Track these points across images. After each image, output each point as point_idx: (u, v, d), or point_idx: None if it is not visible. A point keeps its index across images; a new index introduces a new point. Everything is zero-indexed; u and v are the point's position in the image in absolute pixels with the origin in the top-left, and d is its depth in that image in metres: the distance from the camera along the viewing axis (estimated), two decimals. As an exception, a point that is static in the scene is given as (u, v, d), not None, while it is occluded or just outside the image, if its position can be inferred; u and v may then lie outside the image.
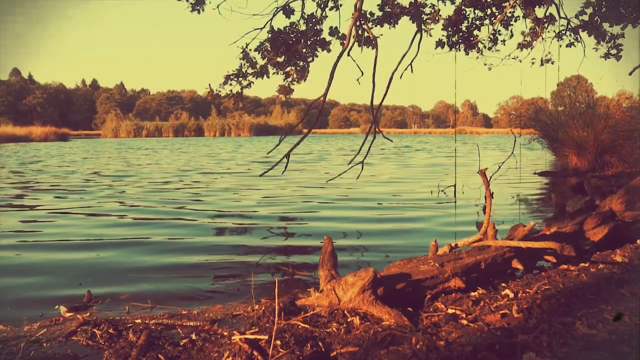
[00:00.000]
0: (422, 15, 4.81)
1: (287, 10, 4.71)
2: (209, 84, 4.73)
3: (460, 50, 5.49)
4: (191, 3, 4.77)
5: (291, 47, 4.70)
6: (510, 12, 5.28)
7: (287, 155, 4.21)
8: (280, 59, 4.77)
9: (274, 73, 4.87)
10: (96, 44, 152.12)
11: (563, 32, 5.52)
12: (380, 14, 4.87)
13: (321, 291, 2.46)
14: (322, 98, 4.29)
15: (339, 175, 5.77)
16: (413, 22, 4.82)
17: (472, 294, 2.61)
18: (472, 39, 5.43)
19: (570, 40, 5.53)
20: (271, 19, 4.71)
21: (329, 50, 4.86)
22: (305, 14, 4.83)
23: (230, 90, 4.86)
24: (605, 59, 5.39)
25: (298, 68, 4.84)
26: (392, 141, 5.46)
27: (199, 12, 4.80)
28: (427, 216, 5.92)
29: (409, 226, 5.37)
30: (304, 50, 4.78)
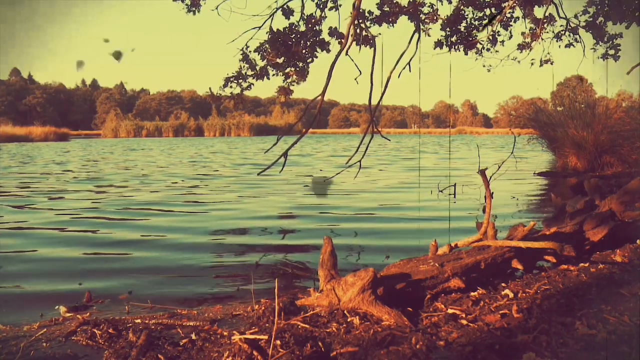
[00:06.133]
0: (421, 15, 4.82)
1: (286, 11, 4.72)
2: (209, 88, 4.75)
3: (459, 51, 5.49)
4: (186, 4, 4.79)
5: (290, 48, 4.71)
6: (509, 13, 5.28)
7: (285, 154, 4.21)
8: (279, 60, 4.78)
9: (273, 75, 4.88)
10: (96, 44, 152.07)
11: (562, 32, 5.53)
12: (378, 12, 4.88)
13: (321, 291, 2.46)
14: (320, 97, 4.30)
15: (337, 174, 5.80)
16: (411, 22, 4.82)
17: (472, 294, 2.61)
18: (471, 39, 5.42)
19: (569, 41, 5.53)
20: (270, 19, 4.72)
21: (328, 51, 4.87)
22: (304, 14, 4.83)
23: (231, 93, 4.87)
24: (603, 59, 5.39)
25: (297, 69, 4.85)
26: (389, 140, 5.46)
27: (194, 14, 4.82)
28: (427, 216, 5.92)
29: (409, 226, 5.37)
30: (304, 51, 4.79)
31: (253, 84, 4.90)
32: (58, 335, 2.20)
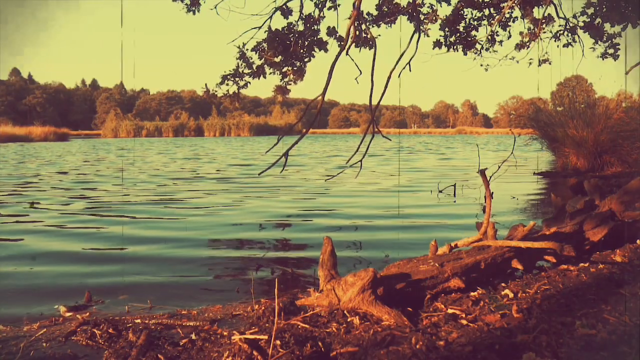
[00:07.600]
0: (420, 15, 4.82)
1: (285, 11, 4.72)
2: (205, 84, 4.75)
3: (458, 51, 5.49)
4: (186, 4, 4.79)
5: (288, 48, 4.71)
6: (508, 13, 5.28)
7: (285, 155, 4.20)
8: (277, 59, 4.78)
9: (270, 73, 4.88)
10: (96, 44, 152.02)
11: (561, 32, 5.52)
12: (376, 13, 4.88)
13: (321, 291, 2.46)
14: (320, 97, 4.29)
15: (337, 174, 5.80)
16: (410, 22, 4.83)
17: (472, 294, 2.61)
18: (470, 39, 5.42)
19: (567, 40, 5.53)
20: (269, 19, 4.71)
21: (326, 50, 4.87)
22: (303, 14, 4.83)
23: (227, 90, 4.87)
24: (602, 59, 5.38)
25: (295, 68, 4.85)
26: (390, 140, 5.46)
27: (194, 13, 4.82)
28: (427, 216, 5.92)
29: (409, 227, 5.37)
30: (302, 50, 4.79)
31: (250, 82, 4.90)
32: (58, 335, 2.19)
